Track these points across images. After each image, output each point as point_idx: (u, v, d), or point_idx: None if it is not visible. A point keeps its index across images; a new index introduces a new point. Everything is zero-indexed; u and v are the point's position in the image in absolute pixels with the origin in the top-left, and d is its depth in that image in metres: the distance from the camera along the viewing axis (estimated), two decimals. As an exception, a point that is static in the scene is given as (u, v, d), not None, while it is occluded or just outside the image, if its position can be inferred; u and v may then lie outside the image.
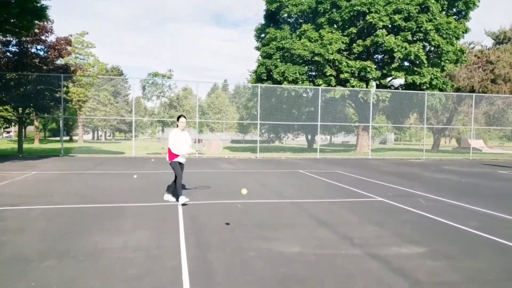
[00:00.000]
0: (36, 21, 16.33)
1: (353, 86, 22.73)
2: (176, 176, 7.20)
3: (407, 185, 10.34)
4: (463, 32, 23.54)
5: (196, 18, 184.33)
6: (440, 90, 23.73)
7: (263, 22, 28.09)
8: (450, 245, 4.88)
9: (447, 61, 23.22)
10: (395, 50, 21.85)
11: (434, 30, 22.22)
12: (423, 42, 22.98)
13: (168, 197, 7.48)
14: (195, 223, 5.72)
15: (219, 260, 4.15)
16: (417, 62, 22.56)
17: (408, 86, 23.81)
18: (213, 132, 61.55)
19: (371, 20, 21.93)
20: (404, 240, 5.05)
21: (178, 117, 7.37)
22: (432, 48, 23.65)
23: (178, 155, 7.18)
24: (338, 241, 4.95)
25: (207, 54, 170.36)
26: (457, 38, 23.44)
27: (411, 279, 3.73)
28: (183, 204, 6.95)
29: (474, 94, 24.39)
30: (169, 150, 7.20)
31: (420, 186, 10.30)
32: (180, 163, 7.29)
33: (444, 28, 22.38)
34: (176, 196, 7.21)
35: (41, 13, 14.82)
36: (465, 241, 5.13)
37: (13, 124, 34.42)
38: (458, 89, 29.12)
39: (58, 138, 51.66)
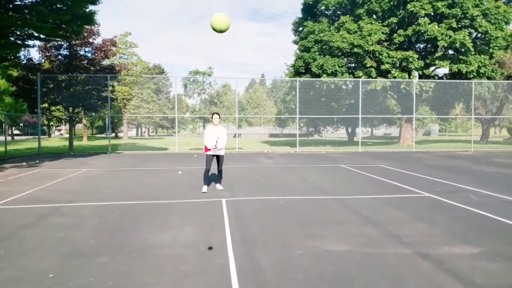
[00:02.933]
0: (85, 26, 17.12)
1: (394, 77, 22.03)
2: (219, 168, 8.46)
3: (456, 180, 9.91)
4: (513, 16, 22.10)
5: (232, 13, 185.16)
6: (489, 78, 22.45)
7: (300, 15, 27.83)
8: (507, 245, 4.64)
9: (496, 47, 21.92)
10: (439, 38, 20.92)
11: (481, 16, 21.04)
12: (469, 29, 21.82)
13: (218, 186, 8.49)
14: (240, 220, 5.81)
15: (266, 257, 4.19)
16: (463, 50, 21.48)
17: (453, 75, 22.74)
18: (251, 127, 61.85)
19: (412, 8, 21.12)
20: (457, 239, 4.86)
21: (212, 114, 8.48)
22: (479, 35, 22.42)
23: (210, 149, 8.15)
24: (386, 239, 4.85)
25: (245, 49, 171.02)
26: (507, 23, 22.04)
27: (466, 281, 3.59)
28: (203, 192, 8.00)
29: (526, 81, 22.91)
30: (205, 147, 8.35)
31: (469, 180, 9.85)
32: (215, 155, 8.28)
33: (493, 13, 21.12)
34: (219, 182, 8.61)
35: (89, 18, 15.55)
36: (523, 240, 4.86)
37: (64, 122, 36.37)
38: (508, 77, 27.42)
39: (104, 135, 54.00)
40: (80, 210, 6.49)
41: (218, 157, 8.35)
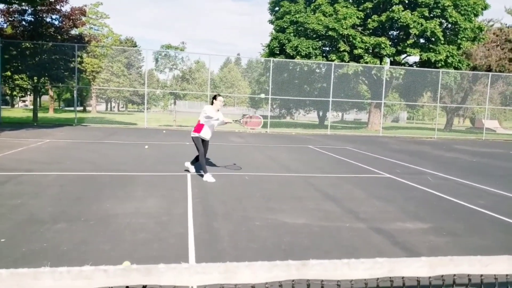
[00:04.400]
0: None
1: (366, 63, 22.37)
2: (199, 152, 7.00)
3: (416, 163, 10.31)
4: (482, 9, 22.78)
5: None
6: (456, 68, 23.21)
7: (277, -6, 27.50)
8: (455, 222, 4.92)
9: (464, 38, 22.60)
10: (411, 26, 21.32)
11: (452, 6, 21.55)
12: (440, 19, 22.34)
13: (190, 166, 7.39)
14: (203, 193, 5.85)
15: (225, 228, 4.27)
16: (433, 39, 22.01)
17: (423, 63, 23.34)
18: (225, 107, 61.47)
19: (388, -6, 21.31)
20: (409, 216, 5.10)
21: (217, 96, 7.06)
22: (449, 25, 23.02)
23: (200, 130, 6.89)
24: (343, 215, 5.03)
25: (220, 27, 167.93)
26: (476, 15, 22.72)
27: (413, 253, 3.80)
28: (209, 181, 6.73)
29: (490, 73, 23.78)
30: (198, 124, 6.95)
31: (429, 164, 10.27)
32: (203, 140, 7.00)
33: (463, 4, 21.68)
34: (197, 168, 7.25)
35: (55, -19, 14.75)
36: (471, 218, 5.16)
37: (28, 93, 34.89)
38: (474, 68, 28.36)
39: (72, 108, 52.27)
40: (40, 179, 6.33)
41: (206, 142, 7.14)
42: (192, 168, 7.42)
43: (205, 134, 6.97)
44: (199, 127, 6.94)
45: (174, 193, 5.80)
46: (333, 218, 4.87)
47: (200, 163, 6.99)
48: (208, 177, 6.76)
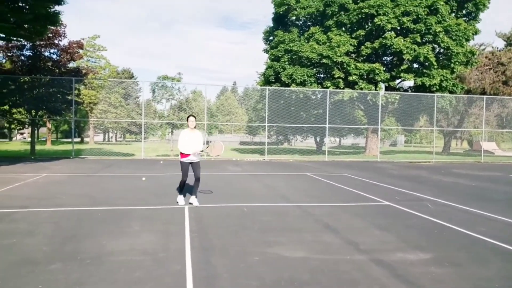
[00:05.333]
0: (49, 26, 16.59)
1: (361, 89, 22.64)
2: (196, 177, 7.35)
3: (415, 189, 10.26)
4: (473, 34, 23.28)
5: (203, 20, 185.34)
6: (450, 92, 23.50)
7: (271, 24, 28.15)
8: (457, 252, 4.84)
9: (457, 63, 22.99)
10: (404, 52, 21.73)
11: (443, 32, 22.04)
12: (433, 44, 22.82)
13: (192, 200, 7.46)
14: (201, 227, 5.76)
15: (223, 264, 4.17)
16: (427, 64, 22.39)
17: (418, 88, 23.65)
18: (222, 134, 61.68)
19: (379, 22, 21.85)
20: (410, 246, 5.02)
21: (188, 117, 7.57)
22: (442, 50, 23.47)
23: (189, 155, 7.24)
24: (343, 246, 4.95)
25: (216, 56, 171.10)
26: (467, 40, 23.20)
27: (416, 285, 3.71)
28: (177, 202, 7.45)
29: (485, 96, 24.08)
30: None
31: (428, 190, 10.21)
32: (191, 163, 7.34)
33: (454, 30, 22.17)
34: (195, 194, 7.51)
35: (54, 18, 15.08)
36: (473, 247, 5.08)
37: (26, 126, 35.00)
38: (468, 91, 28.77)
39: (70, 140, 52.35)
40: (35, 216, 6.24)
41: (195, 164, 7.39)
42: (195, 202, 7.39)
43: (192, 156, 7.31)
44: (181, 154, 7.37)
45: (171, 227, 5.72)
46: (332, 250, 4.79)
47: (180, 184, 7.48)
48: (180, 200, 7.47)
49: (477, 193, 10.06)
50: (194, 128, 7.40)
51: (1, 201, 7.40)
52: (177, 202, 7.42)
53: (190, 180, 7.56)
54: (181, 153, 7.32)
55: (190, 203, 7.38)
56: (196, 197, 7.47)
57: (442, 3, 22.01)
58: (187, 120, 7.56)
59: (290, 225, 6.01)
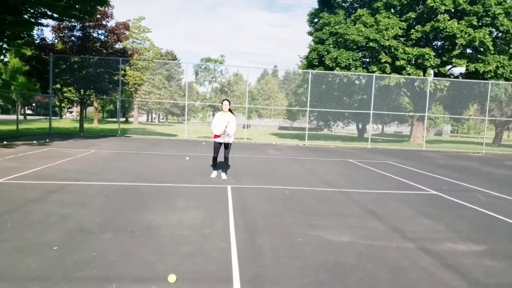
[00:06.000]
0: (99, 7, 17.11)
1: (409, 74, 21.72)
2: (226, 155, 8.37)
3: (464, 180, 9.80)
4: (536, 17, 21.54)
5: (246, 2, 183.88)
6: (506, 79, 22.00)
7: (316, 6, 27.47)
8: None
9: (516, 48, 21.43)
10: (458, 36, 20.50)
11: (503, 14, 20.54)
12: (490, 28, 21.34)
13: (222, 174, 8.28)
14: (244, 206, 5.82)
15: (267, 243, 4.20)
16: (482, 49, 21.02)
17: (470, 75, 22.32)
18: (261, 118, 61.78)
19: (432, 4, 20.70)
20: (461, 237, 4.81)
21: (222, 101, 8.31)
22: (500, 34, 21.92)
23: (219, 136, 8.04)
24: (390, 233, 4.82)
25: (258, 39, 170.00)
26: (530, 23, 21.49)
27: (468, 278, 3.56)
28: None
29: (545, 85, 22.39)
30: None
31: (478, 181, 9.72)
32: (222, 143, 8.19)
33: (516, 12, 20.58)
34: (225, 171, 8.38)
35: (103, -1, 15.54)
36: (530, 242, 4.79)
37: (75, 104, 36.70)
38: (527, 79, 26.83)
39: (115, 119, 54.46)
40: (87, 188, 6.56)
41: (226, 145, 8.28)
42: (224, 176, 8.22)
43: (222, 137, 8.08)
44: (214, 135, 8.25)
45: (216, 205, 5.81)
46: (378, 236, 4.68)
47: (212, 161, 8.50)
48: (213, 174, 8.35)
49: (533, 187, 9.45)
50: (227, 111, 8.07)
51: (55, 173, 7.83)
52: (211, 176, 8.27)
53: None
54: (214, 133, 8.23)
55: (222, 178, 8.17)
56: (226, 173, 8.33)
57: (503, -18, 20.49)
58: (221, 103, 8.30)
59: (334, 210, 5.94)
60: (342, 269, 3.61)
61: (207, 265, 3.55)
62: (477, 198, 7.38)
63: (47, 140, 15.29)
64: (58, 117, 61.16)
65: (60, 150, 12.08)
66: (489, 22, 20.91)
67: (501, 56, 21.46)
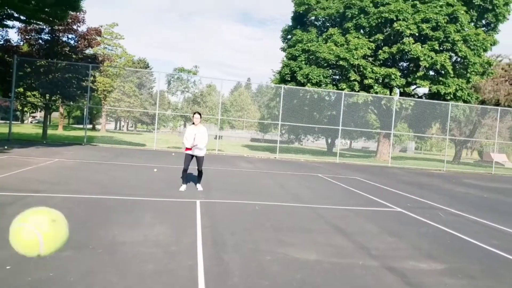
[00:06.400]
0: (70, 11, 16.71)
1: (376, 93, 22.44)
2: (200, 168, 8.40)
3: (427, 197, 10.14)
4: (491, 45, 22.91)
5: (222, 14, 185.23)
6: (465, 101, 23.18)
7: (290, 23, 28.03)
8: (471, 264, 4.76)
9: (473, 72, 22.67)
10: (421, 58, 21.47)
11: (461, 41, 21.71)
12: (450, 52, 22.50)
13: (198, 186, 8.45)
14: (212, 222, 5.75)
15: (235, 261, 4.16)
16: (443, 72, 22.08)
17: (432, 95, 23.36)
18: (233, 129, 61.76)
19: (398, 27, 21.60)
20: (423, 254, 4.95)
21: (193, 114, 8.30)
22: (459, 59, 23.12)
23: (190, 148, 8.08)
24: (355, 251, 4.90)
25: (232, 51, 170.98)
26: (485, 50, 22.84)
27: (429, 296, 3.66)
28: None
29: (499, 108, 23.71)
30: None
31: (440, 198, 10.09)
32: (193, 156, 8.20)
33: (472, 40, 21.82)
34: (199, 182, 8.52)
35: (75, 4, 15.18)
36: (486, 260, 5.00)
37: (39, 109, 35.37)
38: (482, 102, 28.38)
39: (81, 126, 52.92)
40: (47, 201, 6.29)
41: (198, 158, 8.26)
42: (200, 187, 8.39)
43: (193, 150, 8.12)
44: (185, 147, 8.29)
45: (183, 220, 5.72)
46: (345, 254, 4.74)
47: (182, 173, 8.32)
48: (182, 188, 8.19)
49: (489, 204, 9.91)
50: (198, 124, 8.13)
51: (14, 183, 7.48)
52: (179, 190, 8.13)
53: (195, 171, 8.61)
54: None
55: (198, 189, 8.32)
56: (200, 184, 8.49)
57: (462, 12, 21.68)
58: (192, 116, 8.36)
59: (303, 226, 5.98)
60: (309, 287, 3.63)
61: (172, 284, 3.47)
62: (438, 216, 7.65)
63: (5, 147, 14.59)
64: (19, 122, 58.69)
65: (20, 158, 11.57)
66: (449, 47, 22.04)
67: (460, 79, 22.64)
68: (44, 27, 20.07)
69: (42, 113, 28.62)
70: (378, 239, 5.58)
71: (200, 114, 8.35)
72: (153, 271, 3.72)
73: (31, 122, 66.25)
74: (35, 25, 19.57)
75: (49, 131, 24.00)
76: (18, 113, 59.69)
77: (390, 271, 4.24)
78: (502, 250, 5.48)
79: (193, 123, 8.17)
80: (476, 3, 22.43)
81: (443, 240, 5.80)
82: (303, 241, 5.13)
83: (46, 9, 14.84)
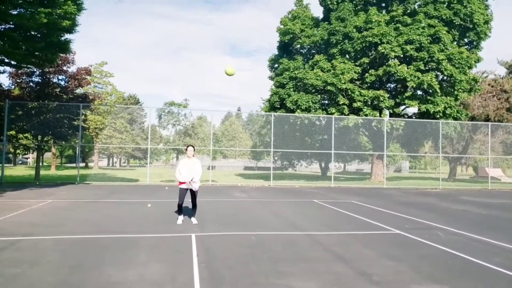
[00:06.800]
0: (60, 54, 16.94)
1: (366, 115, 22.72)
2: (194, 201, 8.29)
3: (424, 217, 10.09)
4: (475, 62, 23.56)
5: (210, 47, 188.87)
6: (455, 119, 23.52)
7: (276, 52, 28.66)
8: (474, 284, 4.69)
9: (460, 90, 23.14)
10: (408, 79, 21.92)
11: (446, 60, 22.27)
12: (436, 72, 23.03)
13: (192, 219, 8.34)
14: (209, 256, 5.65)
15: (234, 296, 4.06)
16: (430, 91, 22.53)
17: (422, 114, 23.70)
18: (226, 159, 61.65)
19: (383, 50, 22.15)
20: (424, 277, 4.88)
21: (187, 147, 8.30)
22: (445, 77, 23.64)
23: (185, 182, 7.94)
24: (356, 277, 4.81)
25: (221, 82, 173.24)
26: (470, 68, 23.43)
27: (434, 321, 3.58)
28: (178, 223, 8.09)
29: (490, 123, 24.07)
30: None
31: (438, 218, 10.04)
32: (188, 189, 8.07)
33: (456, 58, 22.41)
34: (194, 215, 8.43)
35: (64, 46, 15.40)
36: (488, 278, 4.93)
37: (31, 151, 35.16)
38: (473, 118, 28.82)
39: (74, 165, 52.58)
40: (40, 243, 6.16)
41: (192, 191, 8.18)
42: (195, 221, 8.27)
43: (187, 184, 7.99)
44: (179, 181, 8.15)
45: (179, 256, 5.61)
46: (345, 281, 4.66)
47: (177, 208, 8.22)
48: (179, 220, 8.17)
49: (488, 221, 9.88)
50: (192, 157, 8.10)
51: (6, 228, 7.33)
52: (177, 223, 8.09)
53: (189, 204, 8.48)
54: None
55: (192, 223, 8.22)
56: (195, 217, 8.39)
57: (444, 32, 22.35)
58: (186, 149, 8.31)
59: (301, 255, 5.89)
60: (310, 320, 3.53)
61: (169, 325, 3.36)
62: (438, 236, 7.59)
63: (-2, 190, 14.40)
64: (12, 165, 58.16)
65: (12, 201, 11.39)
66: (434, 67, 22.58)
67: (448, 97, 23.06)
68: (35, 70, 20.28)
69: (35, 154, 28.46)
70: (378, 263, 5.50)
71: (193, 146, 8.37)
72: (150, 312, 3.61)
73: (25, 161, 65.66)
74: (26, 69, 19.76)
75: (42, 172, 23.77)
76: (10, 155, 59.26)
77: (393, 297, 4.15)
78: (505, 267, 5.42)
79: (187, 156, 8.12)
80: (456, 23, 23.17)
81: (444, 261, 5.73)
82: (302, 271, 5.04)
83: (36, 53, 15.03)
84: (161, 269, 4.96)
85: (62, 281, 4.39)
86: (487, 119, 28.63)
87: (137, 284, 4.35)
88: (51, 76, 21.04)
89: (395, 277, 4.85)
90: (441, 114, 22.80)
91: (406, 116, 25.89)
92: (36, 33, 14.31)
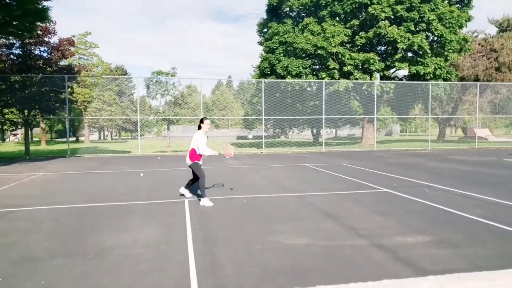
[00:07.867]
0: (38, 23, 16.40)
1: (356, 79, 22.64)
2: (198, 177, 6.98)
3: (412, 176, 10.32)
4: (466, 21, 23.32)
5: (195, 14, 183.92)
6: (444, 80, 23.56)
7: (265, 16, 28.04)
8: (455, 233, 4.89)
9: (450, 50, 23.05)
10: (398, 41, 21.72)
11: (436, 20, 22.04)
12: (426, 32, 22.80)
13: (185, 191, 7.46)
14: (202, 219, 5.78)
15: (226, 253, 4.20)
16: (421, 52, 22.40)
17: (412, 76, 23.70)
18: (218, 129, 61.60)
19: (373, 11, 21.80)
20: (410, 230, 5.07)
21: (202, 120, 7.07)
22: (435, 38, 23.47)
23: (201, 157, 7.01)
24: (344, 232, 4.99)
25: (210, 50, 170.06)
26: (460, 27, 23.24)
27: (417, 267, 3.75)
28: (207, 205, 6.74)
29: (478, 83, 24.16)
30: (193, 151, 6.92)
31: (425, 176, 10.28)
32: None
33: (447, 17, 22.19)
34: (197, 194, 7.39)
35: (42, 14, 14.87)
36: (470, 229, 5.14)
37: (19, 126, 34.72)
38: (462, 79, 28.91)
39: (64, 139, 52.15)
40: (34, 214, 6.23)
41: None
42: (187, 193, 7.50)
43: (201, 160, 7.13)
44: (195, 155, 6.95)
45: (172, 220, 5.73)
46: (334, 236, 4.82)
47: (200, 187, 6.88)
48: (206, 202, 6.74)
49: (473, 177, 10.14)
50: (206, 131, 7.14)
51: (-1, 200, 7.37)
52: (205, 205, 6.70)
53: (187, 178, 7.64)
54: (193, 155, 6.94)
55: (182, 194, 7.52)
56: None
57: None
58: (201, 122, 7.07)
59: (292, 214, 6.04)
60: (300, 271, 3.68)
61: (164, 281, 3.49)
62: (424, 192, 7.80)
63: (-11, 166, 14.34)
64: (0, 141, 57.54)
65: (3, 175, 11.38)
66: (424, 27, 22.34)
67: (438, 58, 22.98)
68: (14, 41, 19.68)
69: (23, 130, 28.12)
70: (366, 219, 5.68)
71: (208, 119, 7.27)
72: (145, 270, 3.74)
73: (14, 139, 64.99)
74: (4, 40, 19.16)
75: (32, 147, 23.62)
76: (-2, 132, 58.46)
77: (379, 248, 4.33)
78: (485, 218, 5.64)
79: (204, 130, 7.05)
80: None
81: (429, 215, 5.94)
82: (292, 228, 5.19)
83: (13, 22, 14.52)
84: (155, 232, 5.07)
85: (57, 246, 4.49)
86: (477, 79, 28.75)
87: (132, 246, 4.47)
88: (32, 48, 20.45)
89: (382, 231, 5.03)
90: (431, 76, 22.79)
91: (397, 79, 25.86)
92: (11, 0, 13.75)
